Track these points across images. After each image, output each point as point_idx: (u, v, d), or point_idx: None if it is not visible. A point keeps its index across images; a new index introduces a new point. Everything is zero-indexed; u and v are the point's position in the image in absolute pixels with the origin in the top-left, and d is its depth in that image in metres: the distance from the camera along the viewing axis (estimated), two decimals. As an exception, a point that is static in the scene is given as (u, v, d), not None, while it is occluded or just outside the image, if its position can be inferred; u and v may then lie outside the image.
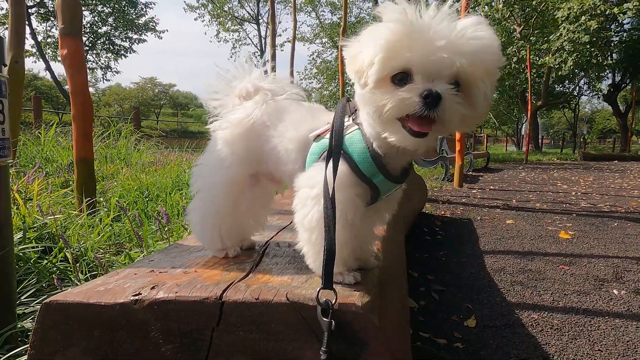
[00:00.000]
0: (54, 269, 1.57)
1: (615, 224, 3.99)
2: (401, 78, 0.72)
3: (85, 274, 1.64)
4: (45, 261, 1.58)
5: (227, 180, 0.93)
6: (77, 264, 1.70)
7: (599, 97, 27.37)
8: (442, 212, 4.51)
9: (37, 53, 16.91)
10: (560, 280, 2.40)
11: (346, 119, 0.84)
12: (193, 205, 0.98)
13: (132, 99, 47.77)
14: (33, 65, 29.38)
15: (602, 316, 1.93)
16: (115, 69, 21.66)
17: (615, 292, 2.23)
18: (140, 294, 0.65)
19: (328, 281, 0.69)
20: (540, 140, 27.67)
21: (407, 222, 2.59)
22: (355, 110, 0.85)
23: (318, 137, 0.86)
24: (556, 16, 16.06)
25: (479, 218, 4.24)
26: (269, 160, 0.93)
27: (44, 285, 1.41)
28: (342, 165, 0.79)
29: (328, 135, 0.82)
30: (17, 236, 1.69)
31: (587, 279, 2.42)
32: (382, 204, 0.89)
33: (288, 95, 0.98)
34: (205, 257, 0.87)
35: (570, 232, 3.60)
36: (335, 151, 0.77)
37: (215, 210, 0.93)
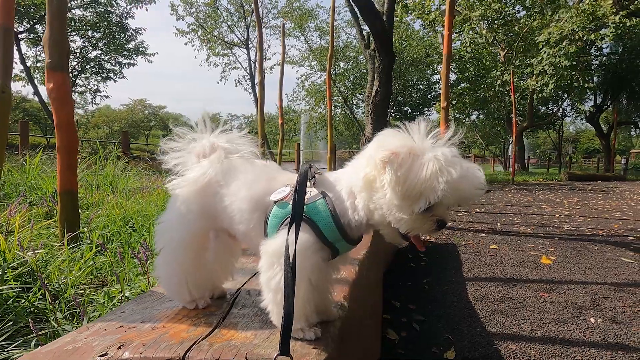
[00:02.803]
0: (32, 308, 1.57)
1: (596, 248, 4.06)
2: None
3: (65, 312, 1.64)
4: (24, 301, 1.58)
5: (187, 235, 0.97)
6: (57, 302, 1.70)
7: (581, 119, 28.09)
8: (428, 237, 4.55)
9: (26, 77, 16.91)
10: (539, 309, 2.44)
11: (308, 186, 0.89)
12: (158, 261, 1.01)
13: (122, 120, 47.65)
14: (22, 88, 29.34)
15: (578, 346, 1.96)
16: (104, 93, 21.75)
17: (592, 320, 2.27)
18: (107, 354, 0.67)
19: (285, 348, 0.72)
20: (526, 161, 28.14)
21: (388, 255, 2.61)
22: (315, 175, 0.90)
23: (280, 201, 0.90)
24: (537, 41, 16.61)
25: (463, 243, 4.28)
26: (224, 218, 0.96)
27: (21, 326, 1.41)
28: (308, 234, 0.85)
29: (289, 200, 0.86)
30: (-4, 275, 1.69)
31: (565, 307, 2.46)
32: (338, 258, 0.93)
33: (241, 155, 1.02)
34: (176, 308, 0.89)
35: (551, 257, 3.66)
36: (298, 220, 0.83)
37: (179, 264, 0.96)
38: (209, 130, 1.06)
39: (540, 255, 3.73)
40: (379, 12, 4.82)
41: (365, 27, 5.69)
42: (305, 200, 0.87)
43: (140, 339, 0.72)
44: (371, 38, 5.43)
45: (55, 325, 1.39)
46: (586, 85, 17.19)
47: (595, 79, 21.46)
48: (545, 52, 15.99)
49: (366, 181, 0.85)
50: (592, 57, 19.18)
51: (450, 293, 2.75)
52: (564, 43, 15.46)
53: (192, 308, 0.95)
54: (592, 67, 19.22)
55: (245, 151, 1.03)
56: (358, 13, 5.66)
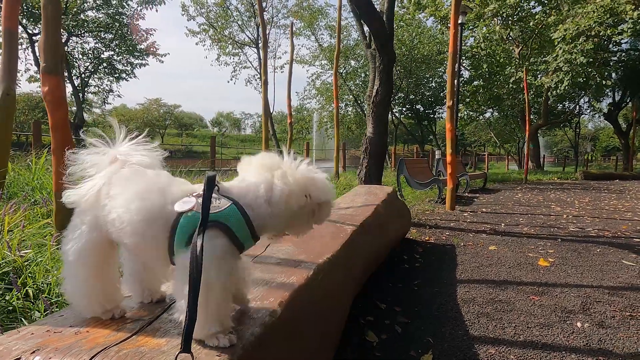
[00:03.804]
0: (11, 307, 1.61)
1: (598, 250, 3.98)
2: None
3: (45, 311, 1.68)
4: (2, 300, 1.63)
5: (87, 247, 0.95)
6: (38, 301, 1.74)
7: (599, 116, 27.45)
8: (427, 238, 4.52)
9: (40, 79, 17.32)
10: (527, 312, 2.41)
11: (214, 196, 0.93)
12: (63, 274, 1.00)
13: (138, 119, 48.50)
14: (38, 89, 30.13)
15: (559, 351, 1.93)
16: (117, 93, 22.20)
17: (579, 324, 2.23)
18: (20, 358, 0.69)
19: (187, 345, 0.74)
20: (542, 159, 27.64)
21: (379, 257, 2.60)
22: (218, 185, 0.97)
23: (188, 212, 0.91)
24: (552, 37, 16.25)
25: (462, 244, 4.24)
26: (112, 231, 0.95)
27: (-5, 325, 1.45)
28: (224, 238, 0.90)
29: (198, 210, 0.90)
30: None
31: (554, 311, 2.42)
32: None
33: (129, 165, 1.01)
34: (111, 312, 0.91)
35: (550, 259, 3.60)
36: (204, 226, 0.87)
37: (83, 277, 0.95)
38: (120, 141, 1.04)
39: (538, 257, 3.67)
40: (377, 12, 4.78)
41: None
42: (217, 209, 0.91)
43: (57, 343, 0.74)
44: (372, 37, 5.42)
45: (27, 324, 1.43)
46: (603, 82, 16.78)
47: (613, 75, 20.94)
48: (560, 49, 15.63)
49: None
50: (610, 53, 18.67)
51: (440, 295, 2.73)
52: (580, 39, 15.10)
53: (109, 318, 0.93)
54: (610, 64, 18.73)
55: (134, 162, 1.02)
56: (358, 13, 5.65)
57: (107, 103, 22.91)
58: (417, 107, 27.74)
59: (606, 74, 17.18)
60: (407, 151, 43.65)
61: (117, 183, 0.97)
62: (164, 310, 0.93)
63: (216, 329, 0.84)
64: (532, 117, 20.51)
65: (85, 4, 18.15)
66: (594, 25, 14.77)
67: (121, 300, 1.00)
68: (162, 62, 21.92)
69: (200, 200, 0.91)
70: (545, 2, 18.77)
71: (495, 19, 19.02)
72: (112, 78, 21.42)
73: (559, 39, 15.65)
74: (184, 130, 60.99)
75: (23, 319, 1.50)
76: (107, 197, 0.95)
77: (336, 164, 9.87)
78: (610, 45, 18.85)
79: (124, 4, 18.90)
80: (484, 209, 7.07)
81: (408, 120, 30.51)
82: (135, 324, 0.84)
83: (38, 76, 17.59)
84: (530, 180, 15.24)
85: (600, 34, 14.73)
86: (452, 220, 5.80)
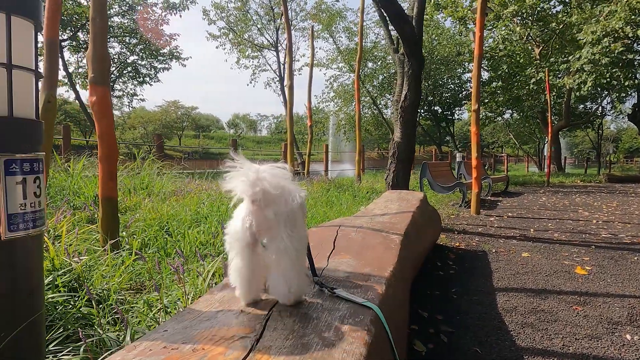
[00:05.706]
0: (79, 314, 1.68)
1: (636, 258, 3.91)
2: None
3: (107, 318, 1.75)
4: (71, 306, 1.70)
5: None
6: (100, 307, 1.81)
7: (622, 117, 26.83)
8: (457, 244, 4.51)
9: (68, 83, 17.82)
10: (572, 323, 2.39)
11: None
12: (230, 267, 1.17)
13: (156, 121, 49.26)
14: (65, 93, 31.01)
15: (612, 364, 1.92)
16: (140, 97, 22.74)
17: (629, 337, 2.20)
18: (154, 376, 0.73)
19: (314, 272, 1.03)
20: (563, 161, 27.14)
21: (416, 266, 2.61)
22: None
23: None
24: (579, 40, 15.84)
25: (494, 250, 4.22)
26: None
27: (70, 332, 1.52)
28: None
29: None
30: (47, 280, 1.83)
31: (600, 322, 2.40)
32: None
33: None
34: (213, 328, 0.94)
35: (587, 267, 3.56)
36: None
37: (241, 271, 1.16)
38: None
39: (574, 265, 3.63)
40: (407, 17, 4.78)
41: (395, 31, 5.68)
42: None
43: (181, 361, 0.78)
44: (400, 42, 5.42)
45: (100, 332, 1.50)
46: (626, 83, 16.37)
47: (638, 75, 20.40)
48: (587, 52, 15.24)
49: None
50: (635, 52, 18.20)
51: (479, 303, 2.73)
52: (605, 40, 14.74)
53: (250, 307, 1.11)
54: (635, 63, 18.27)
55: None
56: (387, 18, 5.66)
57: (132, 107, 23.46)
58: (435, 108, 27.56)
59: (629, 74, 16.74)
60: (424, 152, 43.32)
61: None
62: (263, 327, 0.96)
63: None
64: (552, 118, 20.18)
65: (112, 10, 18.61)
66: (622, 26, 14.38)
67: (259, 297, 1.16)
68: (185, 65, 22.28)
69: None
70: (567, 1, 18.45)
71: (514, 19, 18.79)
72: (136, 82, 21.95)
73: (587, 42, 15.22)
74: (201, 131, 61.80)
75: (95, 326, 1.57)
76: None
77: (358, 167, 9.87)
78: (635, 44, 18.39)
79: (149, 9, 19.33)
80: (509, 214, 6.99)
81: (425, 122, 30.34)
82: (244, 340, 0.88)
83: (66, 80, 18.09)
84: (552, 183, 15.00)
85: (630, 35, 14.36)
86: (479, 225, 5.76)
